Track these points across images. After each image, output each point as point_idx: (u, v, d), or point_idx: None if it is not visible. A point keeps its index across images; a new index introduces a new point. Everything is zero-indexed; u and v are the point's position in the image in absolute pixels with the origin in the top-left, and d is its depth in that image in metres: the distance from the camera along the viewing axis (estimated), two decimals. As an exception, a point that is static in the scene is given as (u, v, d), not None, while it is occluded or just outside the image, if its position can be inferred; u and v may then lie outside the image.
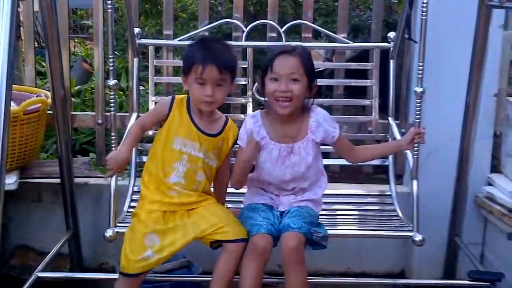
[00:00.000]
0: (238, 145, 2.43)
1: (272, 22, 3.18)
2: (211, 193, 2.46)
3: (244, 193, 2.54)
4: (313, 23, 3.29)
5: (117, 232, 2.48)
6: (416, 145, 2.51)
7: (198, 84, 2.28)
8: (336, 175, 3.36)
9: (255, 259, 2.26)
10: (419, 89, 2.48)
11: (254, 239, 2.26)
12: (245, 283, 2.26)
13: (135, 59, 3.09)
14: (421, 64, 2.45)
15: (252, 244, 2.27)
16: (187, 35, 3.12)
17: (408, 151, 2.68)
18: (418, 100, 2.49)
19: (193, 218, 2.33)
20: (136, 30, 3.03)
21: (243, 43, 3.11)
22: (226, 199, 2.58)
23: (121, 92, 4.28)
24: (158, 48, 3.49)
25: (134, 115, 3.01)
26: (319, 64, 3.54)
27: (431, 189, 3.02)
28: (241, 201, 2.55)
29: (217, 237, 2.30)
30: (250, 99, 3.10)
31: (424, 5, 2.41)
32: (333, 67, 3.14)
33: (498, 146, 3.16)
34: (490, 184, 3.09)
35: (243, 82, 3.15)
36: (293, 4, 3.83)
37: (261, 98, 3.08)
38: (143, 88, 4.05)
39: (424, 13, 2.43)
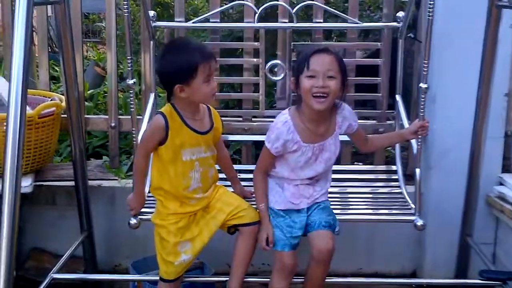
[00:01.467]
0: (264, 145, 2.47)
1: (283, 3, 3.18)
2: (217, 178, 2.57)
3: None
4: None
5: (140, 218, 2.53)
6: (419, 136, 2.57)
7: (206, 83, 2.32)
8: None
9: (285, 277, 2.45)
10: (424, 85, 2.54)
11: (282, 258, 2.43)
12: None
13: (151, 41, 3.09)
14: (425, 62, 2.50)
15: (280, 263, 2.43)
16: (201, 17, 3.16)
17: (413, 142, 2.76)
18: (423, 96, 2.55)
19: (212, 213, 2.47)
20: (151, 13, 3.03)
21: (256, 24, 3.14)
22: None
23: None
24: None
25: (152, 96, 3.06)
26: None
27: (443, 190, 3.05)
28: (251, 179, 2.57)
29: (234, 222, 2.47)
30: (263, 79, 3.19)
31: (431, 5, 2.43)
32: (342, 47, 3.19)
33: (509, 145, 3.15)
34: (501, 184, 3.09)
35: (255, 62, 3.23)
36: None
37: (275, 78, 3.19)
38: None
39: (430, 13, 2.44)
